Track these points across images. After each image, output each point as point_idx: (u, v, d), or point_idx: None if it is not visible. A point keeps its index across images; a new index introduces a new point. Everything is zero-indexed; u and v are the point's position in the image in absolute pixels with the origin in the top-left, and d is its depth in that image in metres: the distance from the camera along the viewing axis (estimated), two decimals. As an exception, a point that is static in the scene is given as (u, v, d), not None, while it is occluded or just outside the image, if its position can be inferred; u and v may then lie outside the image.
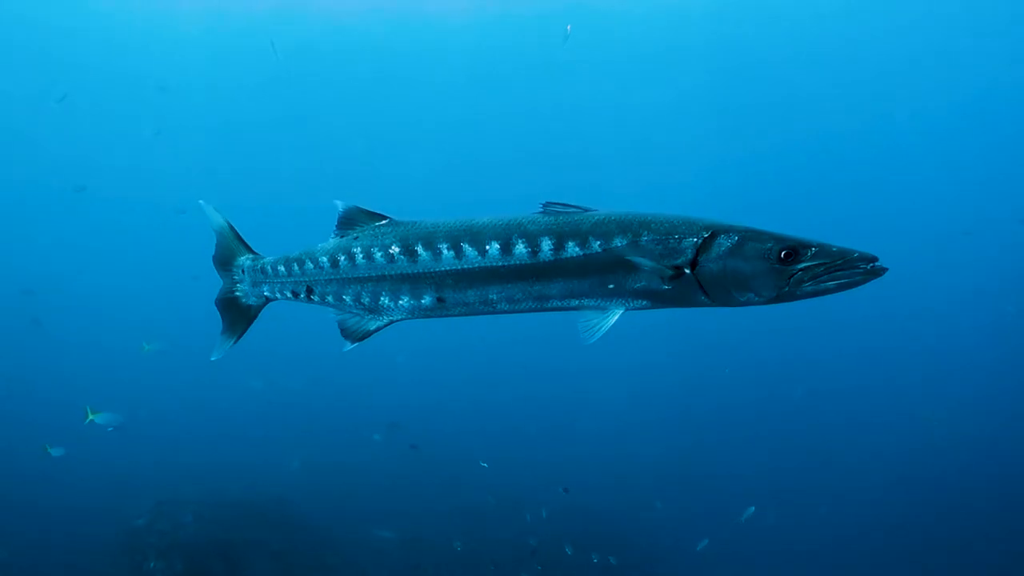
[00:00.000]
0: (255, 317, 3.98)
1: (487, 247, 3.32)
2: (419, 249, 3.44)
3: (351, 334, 3.69)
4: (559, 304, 3.33)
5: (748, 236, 3.08)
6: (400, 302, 3.54)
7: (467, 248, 3.35)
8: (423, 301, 3.49)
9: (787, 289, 3.05)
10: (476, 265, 3.35)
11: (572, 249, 3.21)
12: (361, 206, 3.67)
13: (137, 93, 33.33)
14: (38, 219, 34.27)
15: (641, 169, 38.35)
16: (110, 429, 10.73)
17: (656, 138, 37.66)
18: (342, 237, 3.67)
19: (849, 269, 3.00)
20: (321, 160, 37.54)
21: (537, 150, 37.17)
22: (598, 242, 3.18)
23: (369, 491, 14.61)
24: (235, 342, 3.97)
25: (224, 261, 3.99)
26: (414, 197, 32.57)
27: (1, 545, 11.39)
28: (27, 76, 31.95)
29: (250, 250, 3.97)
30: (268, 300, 3.92)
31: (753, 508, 12.63)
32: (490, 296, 3.38)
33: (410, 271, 3.47)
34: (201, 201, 3.96)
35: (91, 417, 10.71)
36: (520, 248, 3.27)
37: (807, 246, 3.04)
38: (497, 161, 38.32)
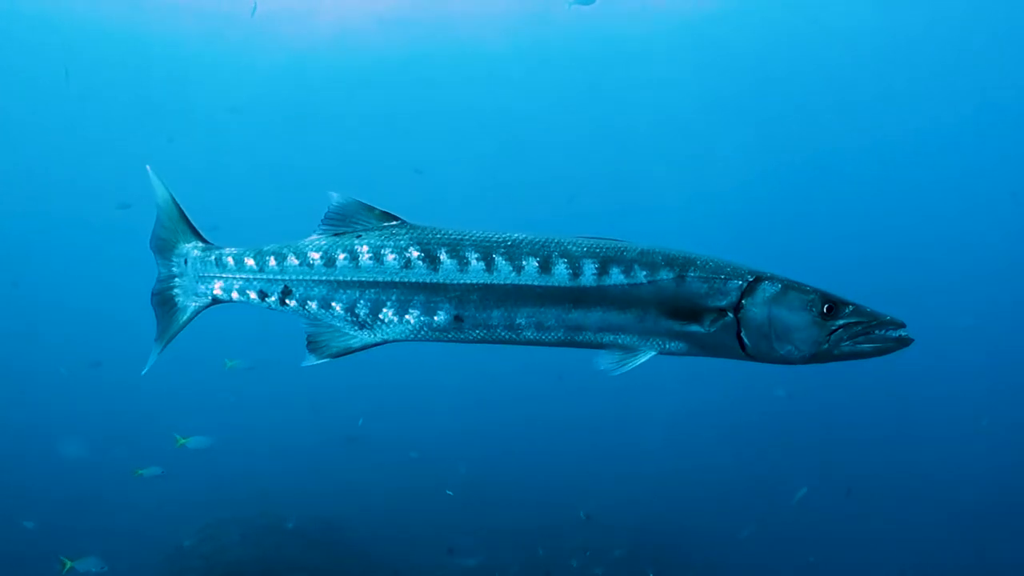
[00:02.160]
0: (189, 321, 3.30)
1: (523, 263, 2.93)
2: (443, 256, 2.97)
3: (324, 348, 3.10)
4: (591, 338, 2.98)
5: (791, 285, 2.94)
6: (406, 317, 3.00)
7: (500, 261, 2.94)
8: (436, 318, 2.98)
9: (825, 347, 2.90)
10: (509, 281, 2.93)
11: (616, 276, 2.92)
12: (363, 200, 3.15)
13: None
14: (84, 243, 35.25)
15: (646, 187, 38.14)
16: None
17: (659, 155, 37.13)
18: (336, 236, 3.12)
19: (883, 332, 2.90)
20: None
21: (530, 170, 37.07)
22: (643, 272, 2.93)
23: (419, 515, 14.38)
24: (162, 349, 3.29)
25: (163, 246, 3.33)
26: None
27: (47, 564, 11.47)
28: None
29: (199, 236, 3.31)
30: (215, 301, 3.26)
31: (805, 489, 12.18)
32: (517, 320, 2.95)
33: (428, 280, 2.96)
34: (148, 166, 3.30)
35: (182, 442, 10.77)
36: (561, 268, 2.92)
37: (845, 303, 2.93)
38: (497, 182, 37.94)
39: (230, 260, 3.21)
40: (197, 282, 3.25)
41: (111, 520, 13.69)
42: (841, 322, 2.89)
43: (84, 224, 35.41)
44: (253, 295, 3.20)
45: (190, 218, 3.32)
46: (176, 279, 3.32)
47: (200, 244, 3.28)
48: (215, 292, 3.24)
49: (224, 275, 3.21)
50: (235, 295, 3.22)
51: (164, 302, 3.31)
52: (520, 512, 14.26)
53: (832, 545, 14.22)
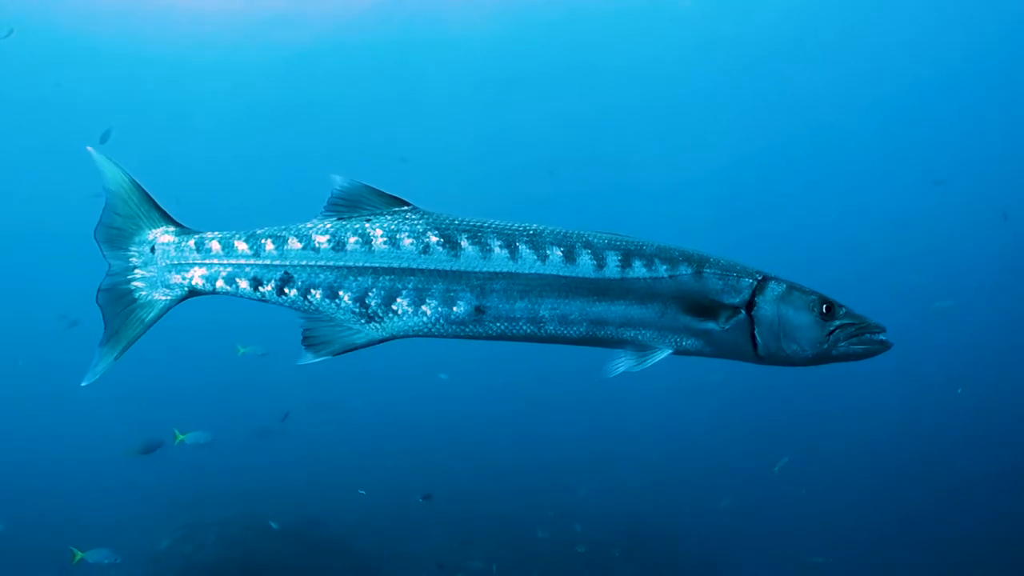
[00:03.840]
0: (157, 319, 2.89)
1: (548, 252, 2.82)
2: (464, 242, 2.79)
3: (324, 345, 2.82)
4: (612, 332, 2.89)
5: (793, 286, 2.99)
6: (423, 308, 2.78)
7: (524, 249, 2.80)
8: (455, 309, 2.79)
9: (825, 347, 2.95)
10: (534, 271, 2.80)
11: (639, 270, 2.88)
12: (371, 184, 2.88)
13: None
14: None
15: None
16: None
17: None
18: (341, 220, 2.86)
19: (869, 334, 2.97)
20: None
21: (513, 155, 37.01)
22: (664, 267, 2.90)
23: (405, 513, 14.27)
24: (119, 355, 2.87)
25: (117, 235, 2.91)
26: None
27: (24, 566, 11.35)
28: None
29: (170, 219, 2.92)
30: (192, 293, 2.89)
31: (787, 459, 12.31)
32: (541, 312, 2.81)
33: (449, 267, 2.77)
34: (90, 148, 2.89)
35: (181, 438, 10.49)
36: (585, 259, 2.84)
37: (840, 305, 2.99)
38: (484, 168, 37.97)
39: (214, 244, 2.86)
40: (169, 272, 2.87)
41: (86, 523, 13.52)
42: (838, 323, 2.95)
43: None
44: (244, 284, 2.86)
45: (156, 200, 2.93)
46: (136, 271, 2.91)
47: (172, 228, 2.91)
48: (194, 282, 2.87)
49: (207, 261, 2.86)
50: (220, 284, 2.86)
51: (119, 299, 2.88)
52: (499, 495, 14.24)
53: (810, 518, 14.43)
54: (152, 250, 2.90)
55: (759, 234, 35.02)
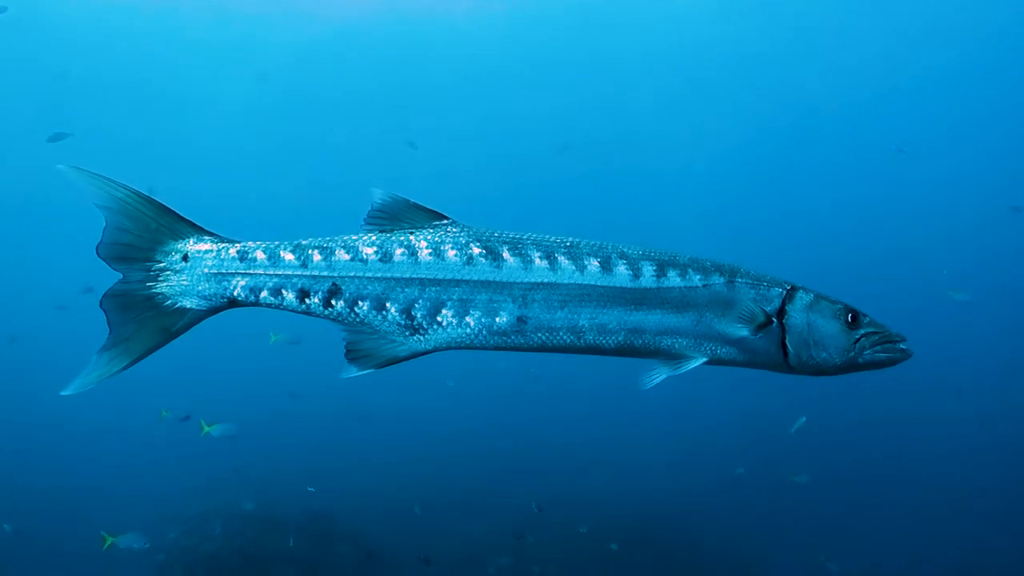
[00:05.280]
0: (188, 328, 2.79)
1: (586, 263, 2.89)
2: (506, 253, 2.85)
3: (368, 358, 2.82)
4: (648, 341, 2.94)
5: (820, 295, 3.06)
6: (466, 319, 2.81)
7: (563, 260, 2.87)
8: (498, 320, 2.83)
9: (851, 355, 3.01)
10: (573, 281, 2.86)
11: (674, 279, 2.94)
12: (409, 198, 2.90)
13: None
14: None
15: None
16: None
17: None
18: (384, 232, 2.87)
19: (892, 343, 3.03)
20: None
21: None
22: (698, 276, 2.98)
23: (410, 508, 14.22)
24: (129, 365, 2.72)
25: (129, 250, 2.75)
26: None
27: (30, 558, 11.35)
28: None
29: (199, 227, 2.82)
30: (231, 303, 2.81)
31: (804, 419, 12.21)
32: (580, 322, 2.87)
33: (492, 278, 2.82)
34: (60, 166, 2.69)
35: (207, 430, 10.41)
36: (622, 269, 2.91)
37: (864, 314, 3.06)
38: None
39: (259, 254, 2.80)
40: (207, 281, 2.78)
41: (93, 516, 13.51)
42: (863, 331, 3.01)
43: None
44: (290, 295, 2.82)
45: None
46: (161, 279, 2.79)
47: (207, 236, 2.83)
48: (235, 293, 2.79)
49: (252, 272, 2.79)
50: (264, 295, 2.80)
51: (134, 305, 2.73)
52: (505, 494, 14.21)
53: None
54: (185, 259, 2.80)
55: (766, 224, 35.00)
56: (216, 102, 35.75)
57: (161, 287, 2.77)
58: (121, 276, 2.77)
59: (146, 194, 2.76)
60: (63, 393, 2.67)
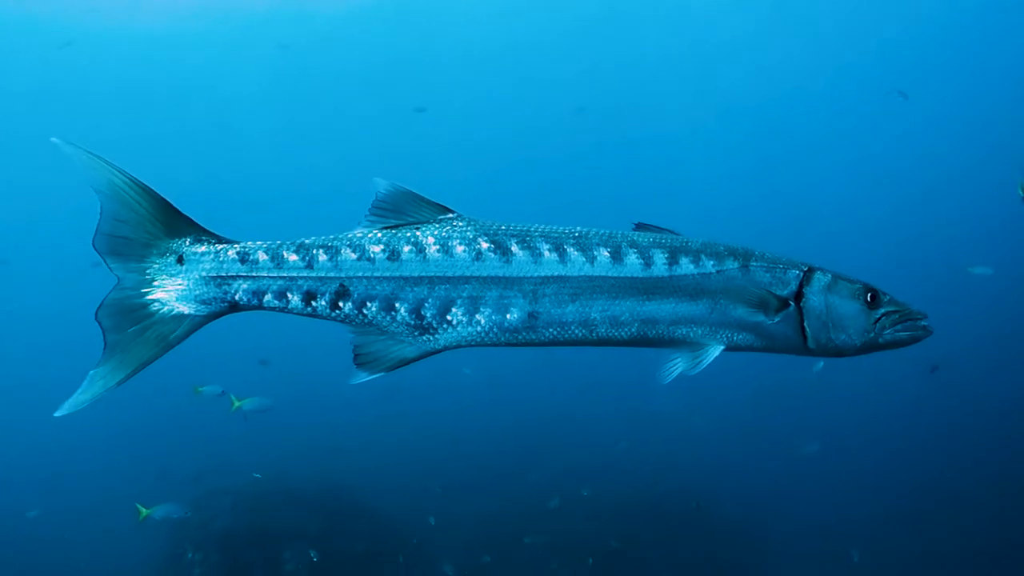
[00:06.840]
0: (187, 335, 2.64)
1: (596, 254, 2.80)
2: (514, 247, 2.75)
3: (377, 361, 2.72)
4: (663, 331, 2.86)
5: (838, 275, 3.01)
6: (477, 317, 2.72)
7: (573, 252, 2.78)
8: (509, 316, 2.74)
9: (872, 335, 2.96)
10: (584, 273, 2.77)
11: (687, 266, 2.86)
12: (414, 190, 2.78)
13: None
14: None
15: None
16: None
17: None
18: (387, 228, 2.76)
19: (912, 321, 2.98)
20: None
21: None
22: (711, 262, 2.90)
23: (425, 482, 14.20)
24: (126, 378, 2.56)
25: (126, 244, 2.59)
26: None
27: (42, 535, 11.40)
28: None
29: (197, 226, 2.65)
30: (234, 308, 2.66)
31: (822, 363, 12.18)
32: (592, 315, 2.78)
33: (502, 273, 2.72)
34: (54, 139, 2.48)
35: (237, 404, 10.18)
36: (632, 258, 2.82)
37: (883, 292, 3.01)
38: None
39: (261, 255, 2.65)
40: (206, 285, 2.62)
41: (102, 495, 13.59)
42: (883, 310, 2.96)
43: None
44: (295, 298, 2.68)
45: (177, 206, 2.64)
46: (156, 283, 2.62)
47: (203, 235, 2.66)
48: (237, 296, 2.65)
49: (254, 275, 2.65)
50: (268, 298, 2.66)
51: (129, 313, 2.57)
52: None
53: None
54: (180, 261, 2.63)
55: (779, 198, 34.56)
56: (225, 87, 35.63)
57: (155, 293, 2.62)
58: (116, 281, 2.61)
59: (137, 180, 2.57)
60: (56, 414, 2.51)
